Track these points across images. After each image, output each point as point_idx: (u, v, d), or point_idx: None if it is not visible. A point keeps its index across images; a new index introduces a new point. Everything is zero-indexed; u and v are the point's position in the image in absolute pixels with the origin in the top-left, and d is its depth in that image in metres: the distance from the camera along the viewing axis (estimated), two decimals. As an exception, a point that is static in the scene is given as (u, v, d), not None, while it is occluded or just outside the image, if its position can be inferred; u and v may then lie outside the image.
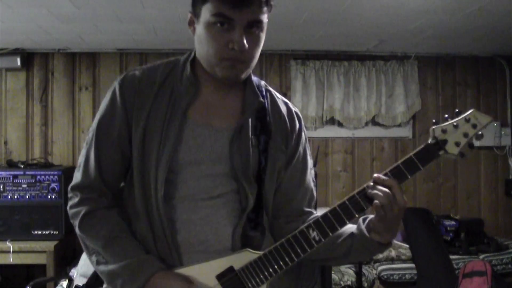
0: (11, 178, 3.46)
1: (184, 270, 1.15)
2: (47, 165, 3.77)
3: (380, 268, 3.68)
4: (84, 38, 3.69)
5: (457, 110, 1.19)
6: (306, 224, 1.15)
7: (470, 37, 3.71)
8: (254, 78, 1.28)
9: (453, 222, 3.99)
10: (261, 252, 1.16)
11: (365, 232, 1.16)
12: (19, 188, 3.46)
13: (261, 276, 1.14)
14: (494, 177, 4.42)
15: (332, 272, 3.33)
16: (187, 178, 1.18)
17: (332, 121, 4.27)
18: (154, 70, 1.23)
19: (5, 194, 3.44)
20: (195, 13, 1.17)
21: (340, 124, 4.27)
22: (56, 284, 3.09)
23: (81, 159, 1.24)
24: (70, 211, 1.22)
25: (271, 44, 3.94)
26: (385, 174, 1.13)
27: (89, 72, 4.10)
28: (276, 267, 1.14)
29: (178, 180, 1.17)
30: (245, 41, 1.11)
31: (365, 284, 3.56)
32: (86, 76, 4.10)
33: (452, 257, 3.75)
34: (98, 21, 3.21)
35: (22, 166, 3.63)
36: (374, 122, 4.30)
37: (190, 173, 1.18)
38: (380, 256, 3.75)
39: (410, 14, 3.11)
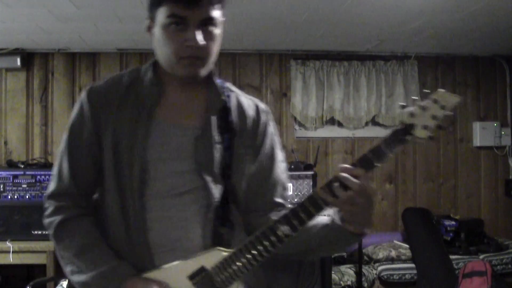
0: (11, 178, 3.46)
1: (155, 273, 1.17)
2: (47, 165, 3.76)
3: (380, 268, 3.68)
4: (84, 38, 3.69)
5: (425, 91, 1.15)
6: (275, 219, 1.15)
7: (470, 37, 3.71)
8: (218, 80, 1.32)
9: (453, 222, 3.99)
10: (231, 250, 1.16)
11: (339, 222, 1.16)
12: (19, 188, 3.45)
13: (233, 274, 1.15)
14: (494, 177, 4.42)
15: (332, 272, 3.33)
16: (156, 175, 1.21)
17: (332, 121, 4.27)
18: (118, 79, 1.29)
19: (5, 194, 3.44)
20: (152, 17, 1.22)
21: (340, 124, 4.27)
22: (56, 284, 3.08)
23: (55, 170, 1.28)
24: (45, 221, 1.25)
25: (271, 44, 3.94)
26: (353, 164, 1.12)
27: (89, 72, 4.10)
28: (247, 264, 1.14)
29: (148, 178, 1.20)
30: (199, 38, 1.16)
31: (365, 284, 3.56)
32: (86, 76, 4.10)
33: (452, 257, 3.75)
34: (98, 21, 3.21)
35: (22, 166, 3.63)
36: (374, 122, 4.30)
37: (158, 170, 1.21)
38: (380, 256, 3.76)
39: (410, 14, 3.11)
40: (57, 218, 1.22)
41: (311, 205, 1.12)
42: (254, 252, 1.14)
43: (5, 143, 4.04)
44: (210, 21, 1.18)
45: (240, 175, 1.28)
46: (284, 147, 4.21)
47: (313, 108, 4.17)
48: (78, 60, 4.10)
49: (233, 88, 1.37)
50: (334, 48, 4.14)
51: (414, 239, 3.86)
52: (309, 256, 1.30)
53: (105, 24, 3.30)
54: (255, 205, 1.32)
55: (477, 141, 4.36)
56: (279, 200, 1.34)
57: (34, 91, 4.06)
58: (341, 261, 3.75)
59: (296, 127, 4.27)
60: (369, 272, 3.64)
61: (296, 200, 3.02)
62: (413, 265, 3.72)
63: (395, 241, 4.02)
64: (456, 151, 4.39)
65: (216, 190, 1.23)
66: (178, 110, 1.26)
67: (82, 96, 1.28)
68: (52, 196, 1.26)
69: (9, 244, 3.30)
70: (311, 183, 3.47)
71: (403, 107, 1.13)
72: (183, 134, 1.24)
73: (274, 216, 1.26)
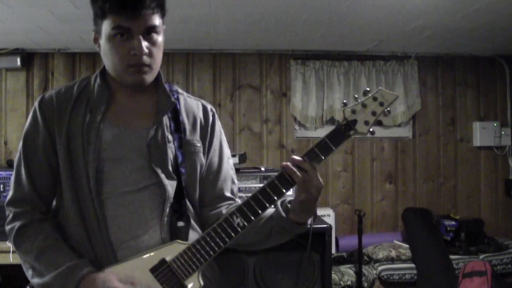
0: (11, 178, 3.46)
1: (116, 268, 1.20)
2: (47, 165, 3.76)
3: (380, 268, 3.68)
4: (84, 38, 3.69)
5: (366, 89, 1.25)
6: (229, 212, 1.22)
7: (470, 37, 3.71)
8: (165, 83, 1.40)
9: (453, 222, 3.99)
10: (189, 242, 1.22)
11: (282, 213, 1.25)
12: (19, 188, 3.45)
13: (192, 265, 1.20)
14: (494, 177, 4.42)
15: (332, 272, 3.33)
16: (112, 173, 1.26)
17: (332, 121, 4.27)
18: (70, 87, 1.37)
19: (5, 194, 3.43)
20: (97, 30, 1.32)
21: (340, 124, 4.27)
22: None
23: (12, 178, 1.33)
24: (6, 228, 1.29)
25: (271, 44, 3.94)
26: (301, 157, 1.20)
27: (89, 72, 4.09)
28: (205, 255, 1.20)
29: (104, 177, 1.26)
30: (144, 46, 1.23)
31: (365, 284, 3.56)
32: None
33: (452, 257, 3.75)
34: (98, 21, 3.21)
35: (22, 166, 3.62)
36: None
37: (114, 168, 1.26)
38: (380, 256, 3.76)
39: (410, 14, 3.11)
40: (16, 224, 1.26)
41: (264, 197, 1.20)
42: (211, 243, 1.20)
43: (5, 143, 4.04)
44: (153, 29, 1.26)
45: (191, 172, 1.35)
46: (284, 147, 4.21)
47: (313, 108, 4.17)
48: (78, 60, 4.10)
49: (180, 90, 1.44)
50: (334, 48, 4.14)
51: (414, 239, 3.86)
52: (258, 246, 1.37)
53: (105, 24, 3.30)
54: (207, 200, 1.40)
55: (477, 141, 4.36)
56: (229, 194, 1.42)
57: (34, 91, 4.06)
58: (341, 261, 3.75)
59: (296, 127, 4.27)
60: (369, 272, 3.64)
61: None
62: (413, 265, 3.72)
63: (395, 241, 4.02)
64: (456, 151, 4.39)
65: (170, 187, 1.28)
66: (129, 113, 1.33)
67: (34, 106, 1.34)
68: (11, 202, 1.30)
69: (9, 244, 3.30)
70: (311, 183, 3.47)
71: (345, 104, 1.23)
72: (136, 136, 1.30)
73: (225, 209, 1.36)
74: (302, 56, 4.22)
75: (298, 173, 1.17)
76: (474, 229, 4.04)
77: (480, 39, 3.79)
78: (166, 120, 1.34)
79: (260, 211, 1.20)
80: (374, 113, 1.21)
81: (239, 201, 1.38)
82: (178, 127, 1.34)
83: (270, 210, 1.27)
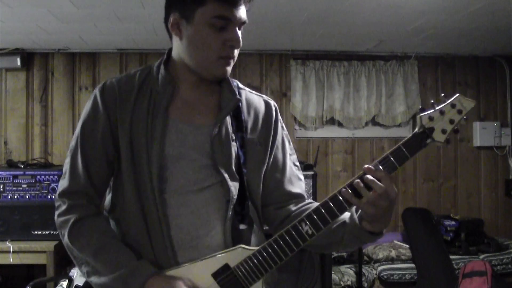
0: (11, 178, 3.46)
1: (178, 271, 1.16)
2: (47, 165, 3.76)
3: (380, 268, 3.68)
4: (84, 38, 3.69)
5: (442, 95, 1.17)
6: (298, 219, 1.16)
7: (470, 37, 3.71)
8: (230, 79, 1.33)
9: (453, 222, 3.99)
10: (255, 248, 1.16)
11: (357, 221, 1.17)
12: (19, 188, 3.45)
13: (257, 273, 1.15)
14: (494, 177, 4.42)
15: (332, 272, 3.33)
16: (175, 171, 1.20)
17: (332, 121, 4.27)
18: (131, 77, 1.28)
19: (5, 194, 3.43)
20: (185, 15, 1.19)
21: (340, 124, 4.27)
22: (56, 284, 3.08)
23: (66, 167, 1.25)
24: (58, 220, 1.22)
25: (271, 44, 3.94)
26: (375, 165, 1.12)
27: (89, 72, 4.09)
28: (271, 262, 1.15)
29: (167, 174, 1.20)
30: (240, 39, 1.20)
31: (365, 284, 3.56)
32: (86, 76, 4.09)
33: (452, 257, 3.75)
34: (98, 21, 3.21)
35: (22, 166, 3.63)
36: (374, 122, 4.30)
37: (178, 166, 1.20)
38: (380, 256, 3.76)
39: (410, 14, 3.11)
40: (72, 217, 1.19)
41: (335, 205, 1.14)
42: (278, 251, 1.15)
43: (5, 143, 4.04)
44: (244, 24, 1.23)
45: (254, 171, 1.28)
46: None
47: (313, 108, 4.17)
48: (78, 60, 4.10)
49: (242, 85, 1.38)
50: (334, 48, 4.14)
51: (414, 239, 3.86)
52: (327, 250, 1.32)
53: (105, 24, 3.30)
54: (272, 198, 1.33)
55: (477, 141, 4.36)
56: (297, 191, 1.35)
57: (34, 91, 4.06)
58: (341, 261, 3.75)
59: (296, 127, 4.27)
60: (369, 272, 3.64)
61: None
62: (413, 265, 3.72)
63: (395, 241, 4.02)
64: (456, 151, 4.39)
65: (233, 187, 1.22)
66: (192, 109, 1.26)
67: (95, 93, 1.26)
68: (65, 193, 1.22)
69: (9, 244, 3.30)
70: (311, 183, 3.47)
71: (422, 110, 1.15)
72: (199, 132, 1.23)
73: (294, 207, 1.30)
74: (302, 56, 4.22)
75: (377, 183, 1.10)
76: (474, 229, 4.04)
77: (480, 39, 3.79)
78: (228, 117, 1.27)
79: (330, 220, 1.14)
80: (452, 121, 1.14)
81: (307, 199, 1.34)
82: (240, 126, 1.28)
83: (343, 216, 1.19)
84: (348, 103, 4.21)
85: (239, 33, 1.22)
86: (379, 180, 1.10)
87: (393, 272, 3.65)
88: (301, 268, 2.96)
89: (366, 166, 1.12)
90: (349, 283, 3.50)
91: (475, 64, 4.42)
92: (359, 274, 3.50)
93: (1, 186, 3.44)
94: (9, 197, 3.43)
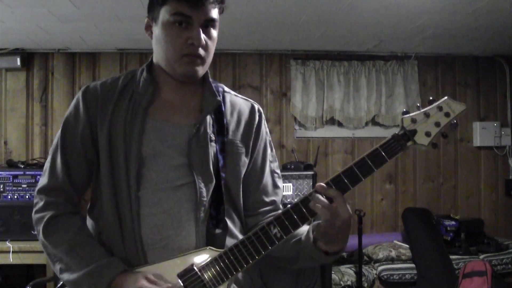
0: (11, 178, 3.46)
1: (146, 269, 1.16)
2: (47, 165, 3.76)
3: (380, 268, 3.68)
4: (84, 38, 3.69)
5: (431, 98, 1.15)
6: (267, 221, 1.14)
7: (470, 37, 3.71)
8: (212, 81, 1.34)
9: (453, 222, 3.99)
10: (222, 250, 1.16)
11: (311, 239, 1.16)
12: (19, 188, 3.45)
13: (222, 275, 1.14)
14: (494, 177, 4.42)
15: (332, 272, 3.33)
16: (151, 169, 1.21)
17: (332, 121, 4.27)
18: (115, 80, 1.31)
19: (5, 194, 3.44)
20: (153, 16, 1.23)
21: (340, 124, 4.27)
22: (56, 284, 3.08)
23: (46, 165, 1.27)
24: (35, 216, 1.24)
25: (271, 44, 3.94)
26: (333, 180, 1.10)
27: (89, 72, 4.10)
28: (237, 265, 1.13)
29: (144, 171, 1.21)
30: (202, 37, 1.19)
31: (365, 284, 3.56)
32: (86, 76, 4.10)
33: (452, 257, 3.75)
34: (98, 21, 3.21)
35: (22, 166, 3.63)
36: (374, 122, 4.30)
37: (154, 164, 1.21)
38: (380, 256, 3.76)
39: (410, 14, 3.11)
40: (47, 214, 1.21)
41: (305, 207, 1.12)
42: (244, 253, 1.13)
43: (5, 143, 4.04)
44: (212, 22, 1.21)
45: (233, 175, 1.28)
46: (284, 147, 4.21)
47: (313, 108, 4.17)
48: (78, 60, 4.10)
49: (227, 89, 1.38)
50: (334, 48, 4.14)
51: (414, 239, 3.86)
52: (285, 264, 1.30)
53: (105, 24, 3.30)
54: (247, 204, 1.33)
55: (477, 141, 4.36)
56: (270, 199, 1.35)
57: (34, 91, 4.06)
58: (341, 261, 3.75)
59: (296, 127, 4.27)
60: (369, 272, 3.64)
61: (296, 200, 3.02)
62: (413, 265, 3.72)
63: (395, 241, 4.02)
64: (456, 151, 4.39)
65: (205, 189, 1.22)
66: (173, 109, 1.28)
67: (78, 94, 1.29)
68: (43, 190, 1.25)
69: (9, 244, 3.30)
70: (311, 183, 3.47)
71: (405, 113, 1.12)
72: (178, 131, 1.24)
73: (262, 215, 1.30)
74: (302, 56, 4.22)
75: (323, 203, 1.08)
76: (474, 229, 4.04)
77: (480, 39, 3.79)
78: (209, 119, 1.27)
79: (300, 224, 1.12)
80: (438, 124, 1.10)
81: (281, 209, 1.31)
82: (221, 129, 1.27)
83: (301, 231, 1.18)
84: (348, 103, 4.21)
85: (214, 32, 1.23)
86: (331, 200, 1.09)
87: (393, 272, 3.65)
88: (301, 268, 2.96)
89: (318, 184, 1.11)
90: (349, 283, 3.50)
91: (475, 64, 4.42)
92: (359, 274, 3.50)
93: (1, 186, 3.44)
94: (9, 197, 3.43)
